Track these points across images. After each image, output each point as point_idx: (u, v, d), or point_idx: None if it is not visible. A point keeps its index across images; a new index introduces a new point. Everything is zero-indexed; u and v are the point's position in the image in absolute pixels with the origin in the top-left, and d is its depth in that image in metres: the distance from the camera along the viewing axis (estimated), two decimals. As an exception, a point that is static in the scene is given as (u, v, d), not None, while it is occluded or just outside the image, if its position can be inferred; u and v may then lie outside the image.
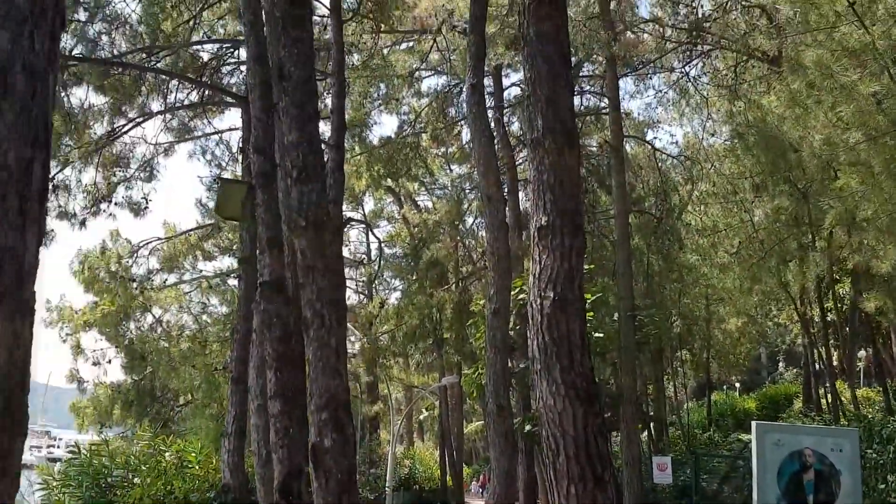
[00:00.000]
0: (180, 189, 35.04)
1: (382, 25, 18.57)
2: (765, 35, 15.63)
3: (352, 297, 34.95)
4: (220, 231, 24.94)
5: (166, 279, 24.93)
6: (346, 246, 33.81)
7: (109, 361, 23.66)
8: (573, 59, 16.44)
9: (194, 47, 17.31)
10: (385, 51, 21.25)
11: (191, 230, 25.39)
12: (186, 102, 18.22)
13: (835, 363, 21.55)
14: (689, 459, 19.59)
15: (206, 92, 17.80)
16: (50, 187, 16.24)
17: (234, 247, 22.44)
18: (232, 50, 17.94)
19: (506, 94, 23.41)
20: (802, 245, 15.99)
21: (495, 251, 10.79)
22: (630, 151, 23.55)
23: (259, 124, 7.77)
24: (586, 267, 6.42)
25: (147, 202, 18.79)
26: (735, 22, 18.13)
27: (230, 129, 21.48)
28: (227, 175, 19.89)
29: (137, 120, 17.43)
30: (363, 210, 33.34)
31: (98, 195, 17.64)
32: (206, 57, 17.91)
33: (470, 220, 28.58)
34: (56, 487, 14.22)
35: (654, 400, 25.06)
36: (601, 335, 16.02)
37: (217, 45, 18.15)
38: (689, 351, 27.19)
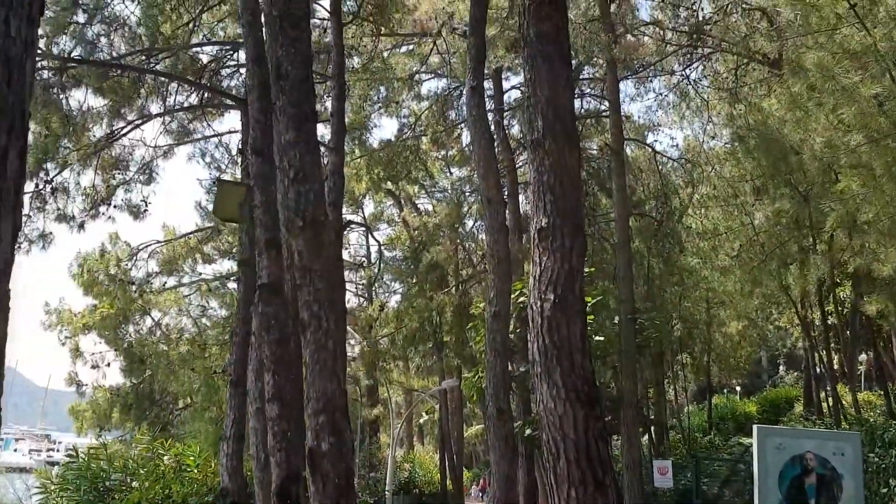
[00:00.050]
0: (180, 192, 35.02)
1: (383, 28, 18.57)
2: (765, 38, 15.58)
3: (352, 301, 34.91)
4: (219, 234, 24.92)
5: (165, 282, 24.91)
6: (346, 249, 33.77)
7: (108, 364, 23.60)
8: (573, 61, 16.41)
9: (194, 50, 17.29)
10: (385, 54, 21.25)
11: (190, 233, 25.38)
12: (186, 105, 18.18)
13: (836, 367, 21.49)
14: (689, 463, 19.54)
15: (206, 94, 17.76)
16: (49, 189, 16.19)
17: (234, 250, 22.41)
18: (231, 52, 17.93)
19: (506, 97, 23.43)
20: (803, 248, 15.94)
21: (495, 254, 10.74)
22: (630, 154, 23.53)
23: (257, 125, 7.73)
24: (587, 270, 6.37)
25: (146, 205, 18.76)
26: (735, 25, 18.10)
27: (230, 132, 21.51)
28: (226, 178, 19.86)
29: (136, 122, 17.38)
30: (363, 213, 33.32)
31: (97, 198, 17.59)
32: (205, 59, 17.92)
33: (470, 222, 28.59)
34: (54, 491, 14.17)
35: (654, 403, 25.01)
36: (602, 339, 15.99)
37: (217, 48, 18.14)
38: (690, 354, 27.15)
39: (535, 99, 5.52)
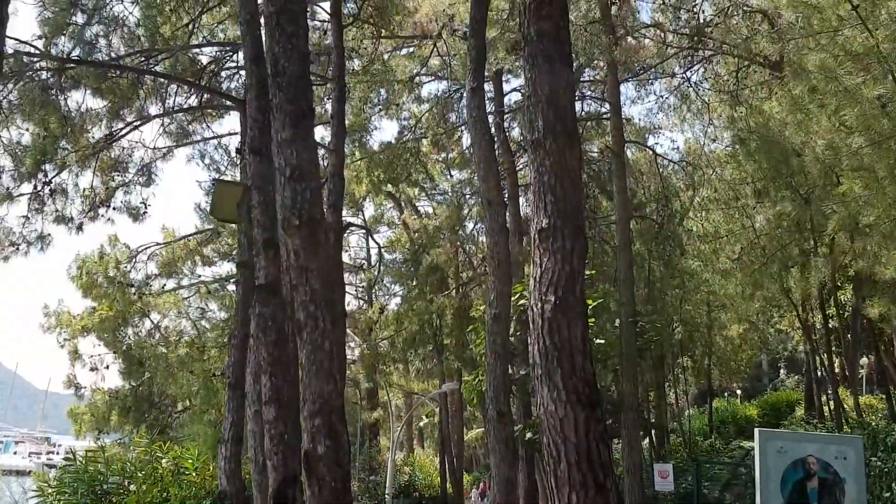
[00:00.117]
0: (179, 193, 34.99)
1: (383, 30, 18.55)
2: (767, 40, 15.54)
3: (351, 303, 34.91)
4: (219, 236, 24.89)
5: (165, 284, 24.88)
6: (346, 251, 33.77)
7: (107, 367, 23.56)
8: (574, 64, 16.37)
9: (193, 51, 17.23)
10: (385, 56, 21.21)
11: (190, 235, 25.34)
12: (185, 106, 18.13)
13: (837, 370, 21.44)
14: (690, 467, 19.46)
15: (205, 96, 17.70)
16: (47, 190, 16.14)
17: (234, 252, 22.35)
18: (231, 54, 17.87)
19: (506, 99, 23.41)
20: (804, 251, 15.89)
21: (496, 256, 10.68)
22: (631, 157, 23.51)
23: (255, 124, 7.67)
24: (587, 273, 6.31)
25: (146, 207, 18.66)
26: (736, 27, 18.08)
27: (229, 134, 21.43)
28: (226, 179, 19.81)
29: (135, 124, 17.30)
30: (363, 215, 33.28)
31: (96, 199, 17.51)
32: (204, 61, 17.85)
33: (470, 225, 28.56)
34: (51, 495, 14.08)
35: (655, 407, 24.96)
36: (602, 341, 15.94)
37: (216, 49, 18.09)
38: (691, 357, 27.11)
39: (535, 98, 5.45)
